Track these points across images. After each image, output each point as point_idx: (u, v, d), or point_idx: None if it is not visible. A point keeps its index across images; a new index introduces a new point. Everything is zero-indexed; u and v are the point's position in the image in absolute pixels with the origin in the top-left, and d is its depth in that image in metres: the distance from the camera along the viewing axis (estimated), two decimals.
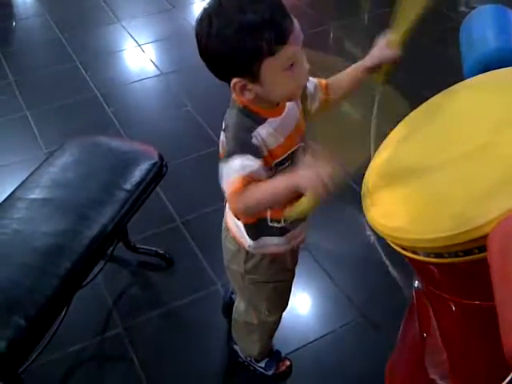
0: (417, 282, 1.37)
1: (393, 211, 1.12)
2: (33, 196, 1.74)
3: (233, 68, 1.16)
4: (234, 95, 1.25)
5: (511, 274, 0.84)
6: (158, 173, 1.88)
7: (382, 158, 1.26)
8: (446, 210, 1.02)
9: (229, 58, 1.14)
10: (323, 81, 1.42)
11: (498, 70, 1.24)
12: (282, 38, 1.11)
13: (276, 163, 1.28)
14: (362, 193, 1.20)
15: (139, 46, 3.61)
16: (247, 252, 1.47)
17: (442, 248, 1.00)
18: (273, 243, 1.45)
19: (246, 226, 1.42)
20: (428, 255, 1.05)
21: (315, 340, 1.94)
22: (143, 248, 2.20)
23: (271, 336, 1.77)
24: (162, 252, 2.19)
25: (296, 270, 1.63)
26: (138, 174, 1.84)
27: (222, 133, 1.27)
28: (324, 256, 2.20)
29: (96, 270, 1.75)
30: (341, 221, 2.26)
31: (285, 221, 1.38)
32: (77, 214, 1.68)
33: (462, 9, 3.92)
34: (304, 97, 1.37)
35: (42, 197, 1.73)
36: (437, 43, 3.41)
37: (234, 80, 1.16)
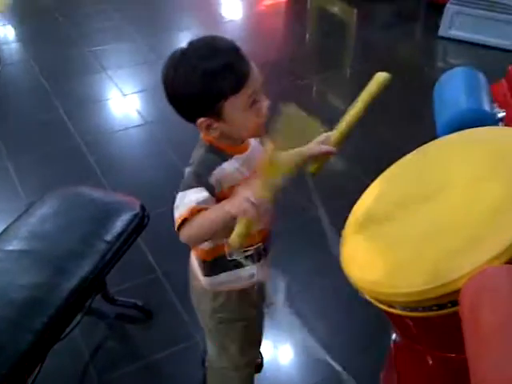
0: (394, 334, 1.37)
1: (369, 264, 1.13)
2: (10, 247, 1.72)
3: (199, 109, 1.26)
4: (201, 134, 1.33)
5: (482, 327, 0.85)
6: (139, 224, 1.88)
7: (359, 211, 1.28)
8: (421, 265, 1.04)
9: (195, 100, 1.25)
10: None
11: (469, 129, 1.28)
12: (241, 79, 1.23)
13: None
14: (340, 245, 1.22)
15: (124, 95, 3.65)
16: (213, 291, 1.49)
17: (417, 302, 1.01)
18: (232, 278, 1.46)
19: (203, 262, 1.46)
20: (403, 309, 1.06)
21: None
22: (121, 300, 2.17)
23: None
24: (140, 304, 2.16)
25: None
26: (119, 224, 1.84)
27: (187, 168, 1.34)
28: (306, 308, 2.20)
29: (73, 322, 1.72)
30: (323, 269, 2.27)
31: (230, 254, 1.42)
32: (55, 266, 1.67)
33: (440, 64, 4.05)
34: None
35: (19, 248, 1.72)
36: (415, 98, 3.50)
37: (200, 120, 1.27)
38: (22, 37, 4.56)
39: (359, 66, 4.08)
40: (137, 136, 3.34)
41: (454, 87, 1.42)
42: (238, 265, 1.44)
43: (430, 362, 1.23)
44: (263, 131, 1.36)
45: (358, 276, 1.12)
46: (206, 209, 1.25)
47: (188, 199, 1.26)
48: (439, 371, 1.22)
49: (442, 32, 4.29)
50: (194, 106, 1.26)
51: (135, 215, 1.88)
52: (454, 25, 4.23)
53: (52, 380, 1.85)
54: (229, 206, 1.20)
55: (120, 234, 1.81)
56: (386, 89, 1.36)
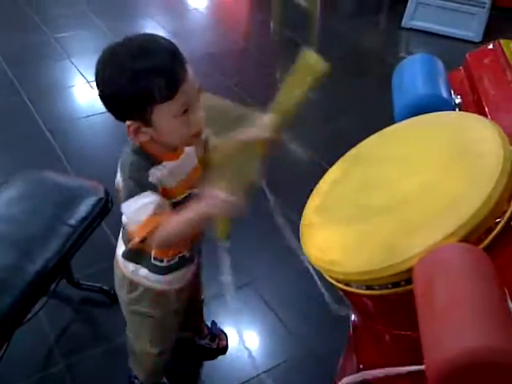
0: (353, 314, 1.41)
1: (328, 246, 1.16)
2: None
3: (126, 112, 1.20)
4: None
5: (434, 304, 0.89)
6: (103, 208, 1.88)
7: (319, 195, 1.30)
8: (377, 245, 1.07)
9: (121, 102, 1.18)
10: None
11: (425, 115, 1.32)
12: (173, 85, 1.14)
13: (173, 202, 1.31)
14: (300, 229, 1.25)
15: (88, 82, 3.62)
16: (130, 282, 1.49)
17: (373, 280, 1.04)
18: (152, 279, 1.46)
19: (128, 251, 1.44)
20: (360, 287, 1.09)
21: (260, 373, 1.95)
22: (87, 284, 2.17)
23: (157, 371, 1.77)
24: (106, 288, 2.16)
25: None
26: (83, 209, 1.83)
27: (118, 172, 1.29)
28: (270, 293, 2.24)
29: (37, 306, 1.72)
30: (284, 256, 2.30)
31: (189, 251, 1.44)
32: (20, 249, 1.66)
33: (402, 55, 4.10)
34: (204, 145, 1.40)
35: None
36: (376, 87, 3.54)
37: (128, 123, 1.20)
38: None
39: (322, 55, 4.10)
40: (101, 123, 3.31)
41: (412, 73, 1.45)
42: (161, 269, 1.44)
43: (387, 341, 1.27)
44: (197, 141, 1.31)
45: (317, 257, 1.15)
46: (162, 213, 1.22)
47: (138, 209, 1.22)
48: (396, 349, 1.25)
49: (405, 22, 4.35)
50: (121, 108, 1.20)
51: (99, 200, 1.88)
52: (417, 15, 4.30)
53: (17, 363, 1.85)
54: (206, 209, 1.18)
55: (84, 218, 1.81)
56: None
